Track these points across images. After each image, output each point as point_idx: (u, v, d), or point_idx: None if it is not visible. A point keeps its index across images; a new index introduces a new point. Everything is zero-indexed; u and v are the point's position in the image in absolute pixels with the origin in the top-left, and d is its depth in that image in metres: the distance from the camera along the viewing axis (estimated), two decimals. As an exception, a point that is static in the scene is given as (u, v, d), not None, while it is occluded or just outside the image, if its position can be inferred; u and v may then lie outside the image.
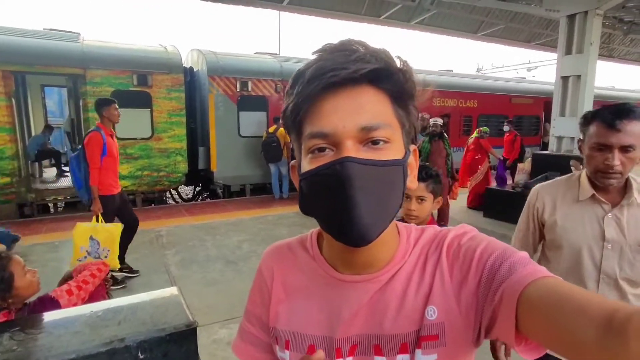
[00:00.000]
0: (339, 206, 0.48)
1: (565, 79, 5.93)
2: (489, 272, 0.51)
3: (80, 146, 3.81)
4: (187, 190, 10.42)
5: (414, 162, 0.57)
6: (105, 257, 3.32)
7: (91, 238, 3.32)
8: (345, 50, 0.49)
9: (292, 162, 0.59)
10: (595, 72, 5.71)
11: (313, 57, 0.51)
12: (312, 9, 9.11)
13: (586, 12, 5.67)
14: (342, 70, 0.47)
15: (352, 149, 0.49)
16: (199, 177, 8.69)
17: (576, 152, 6.17)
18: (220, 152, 7.91)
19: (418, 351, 0.54)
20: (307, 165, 0.52)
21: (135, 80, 6.97)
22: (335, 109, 0.49)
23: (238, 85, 7.96)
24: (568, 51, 5.93)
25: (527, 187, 5.71)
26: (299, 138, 0.54)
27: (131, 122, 7.07)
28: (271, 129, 7.76)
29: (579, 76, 5.73)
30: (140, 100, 7.10)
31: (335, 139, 0.49)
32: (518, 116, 12.10)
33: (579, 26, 5.74)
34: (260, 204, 7.69)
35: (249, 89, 8.09)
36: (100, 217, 3.69)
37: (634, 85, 20.35)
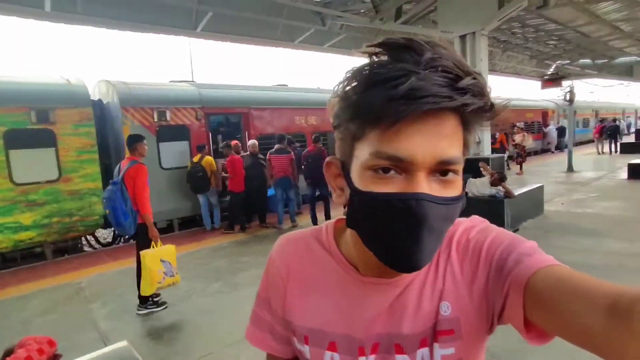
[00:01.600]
0: (399, 238, 0.47)
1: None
2: (497, 264, 0.52)
3: (118, 180, 3.85)
4: (104, 234, 9.45)
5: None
6: (177, 273, 3.91)
7: (162, 260, 3.79)
8: (446, 72, 0.43)
9: (330, 158, 0.56)
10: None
11: (408, 56, 0.44)
12: (227, 35, 9.11)
13: (474, 32, 6.51)
14: (447, 101, 0.43)
15: (424, 182, 0.46)
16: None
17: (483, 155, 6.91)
18: (142, 187, 7.35)
19: (436, 345, 0.55)
20: (367, 182, 0.48)
21: (34, 117, 6.22)
22: (416, 134, 0.45)
23: (155, 116, 7.55)
24: (464, 67, 6.71)
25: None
26: (352, 141, 0.50)
27: (32, 165, 6.29)
28: (195, 159, 7.47)
29: (475, 88, 6.50)
30: (42, 138, 6.35)
31: (408, 167, 0.46)
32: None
33: (470, 45, 6.56)
34: (191, 238, 7.27)
35: (168, 118, 7.72)
36: (158, 242, 3.95)
37: (513, 94, 23.64)
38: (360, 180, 0.49)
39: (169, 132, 7.78)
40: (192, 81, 9.47)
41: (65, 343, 3.47)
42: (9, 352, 1.38)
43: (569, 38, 13.35)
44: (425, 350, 0.56)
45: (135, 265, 4.05)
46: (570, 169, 12.40)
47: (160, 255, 3.80)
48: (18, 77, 6.66)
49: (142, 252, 3.79)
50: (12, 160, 6.09)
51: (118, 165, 4.04)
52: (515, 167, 13.27)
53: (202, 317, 3.90)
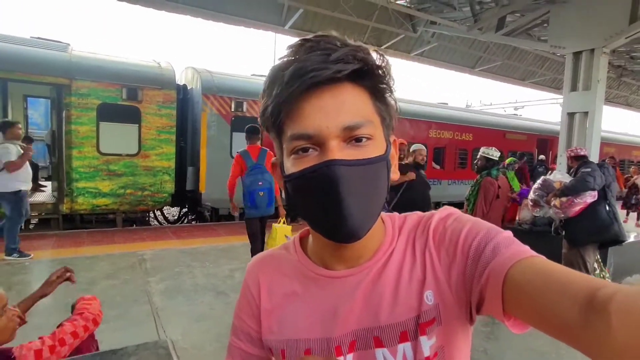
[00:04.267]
0: (328, 207, 0.49)
1: (571, 115, 5.81)
2: (474, 253, 0.51)
3: (261, 165, 4.23)
4: (172, 212, 9.93)
5: (394, 154, 0.58)
6: None
7: (286, 237, 4.11)
8: (323, 50, 0.48)
9: (273, 159, 0.58)
10: (602, 109, 5.61)
11: (287, 52, 0.50)
12: (313, 33, 9.03)
13: (592, 50, 5.63)
14: (323, 71, 0.47)
15: (336, 150, 0.48)
16: (186, 198, 8.24)
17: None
18: (210, 173, 7.51)
19: (423, 338, 0.53)
20: (291, 166, 0.52)
21: (125, 94, 6.64)
22: (317, 110, 0.49)
23: (233, 106, 7.68)
24: (573, 88, 5.84)
25: (535, 225, 5.43)
26: (279, 137, 0.53)
27: (117, 138, 6.72)
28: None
29: (586, 113, 5.62)
30: (129, 115, 6.76)
31: (319, 140, 0.49)
32: (512, 151, 12.07)
33: (586, 63, 5.68)
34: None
35: (244, 109, 7.82)
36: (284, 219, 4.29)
37: (618, 128, 20.94)
38: (288, 166, 0.52)
39: (244, 123, 7.86)
40: (273, 76, 9.56)
41: (119, 311, 3.52)
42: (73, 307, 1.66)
43: None
44: (407, 345, 0.54)
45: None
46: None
47: (285, 232, 4.23)
48: (114, 56, 7.18)
49: (273, 225, 4.25)
50: (101, 131, 6.55)
51: (245, 152, 4.29)
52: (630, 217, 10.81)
53: None
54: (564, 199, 4.07)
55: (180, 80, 8.46)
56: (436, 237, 0.56)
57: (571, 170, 4.33)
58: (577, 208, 4.05)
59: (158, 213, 8.60)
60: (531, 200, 4.38)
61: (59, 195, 6.68)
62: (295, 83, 0.47)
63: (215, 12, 7.95)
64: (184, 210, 9.08)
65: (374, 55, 0.50)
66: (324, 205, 0.49)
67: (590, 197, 4.07)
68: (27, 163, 4.74)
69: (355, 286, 0.56)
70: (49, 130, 8.14)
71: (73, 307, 1.68)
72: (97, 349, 1.67)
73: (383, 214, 0.60)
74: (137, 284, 4.25)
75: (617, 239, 4.61)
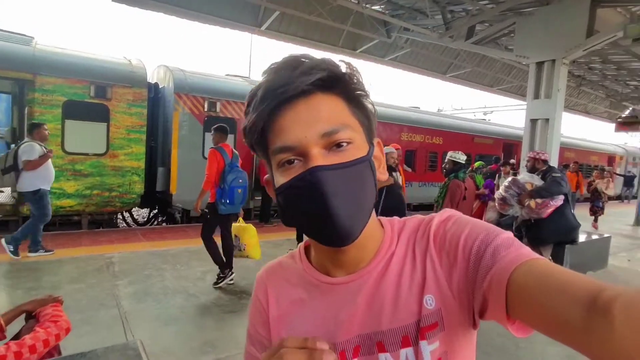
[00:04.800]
0: (317, 213, 0.50)
1: (534, 121, 6.11)
2: (475, 258, 0.51)
3: (234, 161, 4.33)
4: (142, 214, 9.66)
5: (380, 155, 0.59)
6: (243, 249, 4.31)
7: (235, 235, 4.33)
8: (289, 67, 0.51)
9: (266, 177, 0.60)
10: (561, 117, 5.93)
11: (262, 77, 0.53)
12: (290, 35, 9.07)
13: (553, 60, 5.94)
14: (290, 85, 0.49)
15: (318, 157, 0.50)
16: (156, 199, 8.04)
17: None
18: (182, 173, 7.37)
19: (423, 343, 0.53)
20: (280, 178, 0.53)
21: (93, 92, 6.41)
22: (294, 122, 0.51)
23: (206, 105, 7.58)
24: (536, 96, 6.15)
25: (499, 225, 5.66)
26: (266, 153, 0.54)
27: (84, 136, 6.48)
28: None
29: (547, 120, 5.92)
30: (97, 113, 6.53)
31: (301, 150, 0.51)
32: (480, 155, 12.51)
33: (547, 73, 5.99)
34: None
35: (217, 110, 7.73)
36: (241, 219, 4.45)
37: (578, 134, 22.08)
38: (277, 180, 0.54)
39: (217, 123, 7.76)
40: (247, 77, 9.50)
41: (84, 315, 3.41)
42: (29, 316, 1.54)
43: (654, 80, 12.15)
44: (409, 350, 0.54)
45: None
46: (637, 222, 11.16)
47: (235, 231, 4.35)
48: (82, 52, 6.93)
49: (236, 225, 4.36)
50: (67, 129, 6.30)
51: (221, 149, 4.35)
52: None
53: (224, 316, 3.68)
54: (539, 200, 4.28)
55: (152, 78, 8.26)
56: (437, 240, 0.56)
57: (537, 173, 4.55)
58: (550, 210, 4.29)
59: (127, 215, 8.35)
60: (500, 199, 4.56)
61: (19, 196, 6.36)
62: (267, 100, 0.50)
63: (191, 11, 7.81)
64: (154, 211, 8.86)
65: (340, 64, 0.53)
66: (314, 211, 0.50)
67: (560, 200, 4.32)
68: (50, 164, 4.86)
69: (356, 292, 0.57)
70: (9, 128, 7.75)
71: (29, 314, 1.58)
72: (60, 354, 1.61)
73: (382, 218, 0.62)
74: (104, 287, 4.13)
75: (575, 239, 4.94)
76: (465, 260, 0.52)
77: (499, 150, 13.60)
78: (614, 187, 10.15)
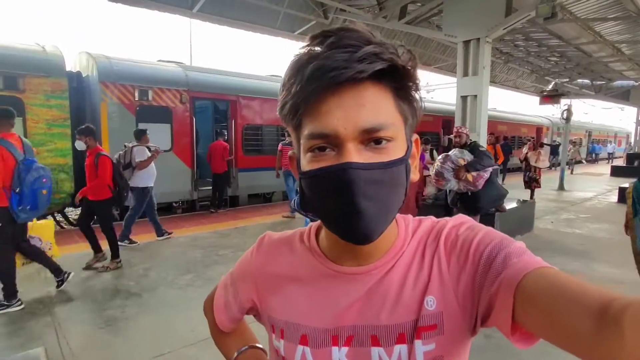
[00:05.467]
0: (342, 210, 0.48)
1: (464, 98, 6.43)
2: (485, 262, 0.51)
3: (28, 156, 3.64)
4: (76, 213, 9.01)
5: (415, 153, 0.57)
6: (50, 248, 4.13)
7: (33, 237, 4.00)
8: (347, 47, 0.46)
9: (290, 152, 0.58)
10: (488, 93, 6.30)
11: (306, 49, 0.49)
12: (224, 18, 8.70)
13: (478, 39, 6.24)
14: (345, 71, 0.45)
15: (353, 152, 0.48)
16: (90, 197, 7.52)
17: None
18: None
19: (418, 342, 0.54)
20: (307, 164, 0.51)
21: (1, 84, 5.77)
22: (336, 109, 0.48)
23: (137, 94, 7.14)
24: (465, 73, 6.45)
25: (437, 199, 5.98)
26: (297, 133, 0.52)
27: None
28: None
29: (475, 96, 6.25)
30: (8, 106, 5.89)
31: (336, 141, 0.48)
32: (421, 132, 13.00)
33: (473, 51, 6.30)
34: (170, 225, 6.91)
35: (150, 98, 7.31)
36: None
37: (510, 108, 23.70)
38: (304, 163, 0.52)
39: (150, 113, 7.37)
40: (181, 62, 9.04)
41: (13, 327, 3.15)
42: None
43: (570, 56, 13.22)
44: (403, 347, 0.54)
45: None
46: (561, 187, 12.29)
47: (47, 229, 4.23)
48: (-15, 39, 6.19)
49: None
50: (-27, 127, 5.63)
51: (6, 142, 3.48)
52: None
53: (166, 311, 3.60)
54: (474, 173, 4.56)
55: (74, 67, 7.61)
56: (447, 244, 0.56)
57: (465, 147, 4.83)
58: (483, 181, 4.60)
59: (58, 216, 7.75)
60: (436, 175, 4.78)
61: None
62: (315, 82, 0.46)
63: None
64: (90, 210, 8.30)
65: (401, 52, 0.49)
66: (338, 207, 0.48)
67: (489, 171, 4.65)
68: (153, 164, 5.71)
69: (361, 284, 0.57)
70: None
71: None
72: None
73: (398, 215, 0.59)
74: (35, 295, 3.87)
75: (503, 209, 5.39)
76: (475, 264, 0.52)
77: (439, 127, 14.24)
78: (544, 159, 10.33)
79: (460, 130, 4.89)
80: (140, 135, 5.87)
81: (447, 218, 0.60)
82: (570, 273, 0.46)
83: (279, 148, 7.41)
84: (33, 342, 2.98)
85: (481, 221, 0.66)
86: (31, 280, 4.27)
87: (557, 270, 0.46)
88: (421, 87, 0.52)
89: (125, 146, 5.69)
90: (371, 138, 0.48)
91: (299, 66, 0.48)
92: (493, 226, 4.48)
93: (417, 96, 0.52)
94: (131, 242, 5.71)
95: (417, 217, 0.63)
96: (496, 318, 0.48)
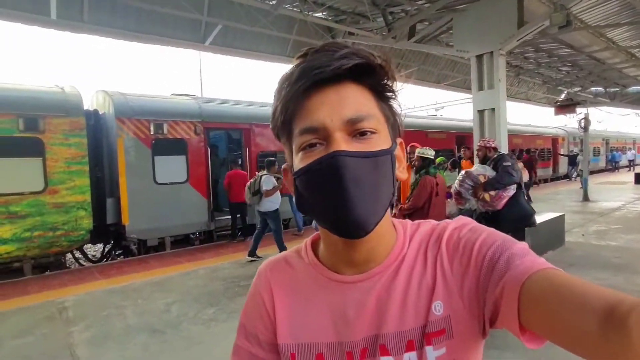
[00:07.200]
0: (333, 199, 0.49)
1: (481, 112, 6.31)
2: (488, 264, 0.50)
3: None
4: (96, 250, 9.01)
5: (401, 154, 0.58)
6: None
7: None
8: (328, 51, 0.51)
9: (284, 165, 0.61)
10: (506, 105, 6.16)
11: (296, 61, 0.53)
12: (236, 49, 8.90)
13: (491, 52, 6.18)
14: (327, 67, 0.49)
15: (341, 142, 0.50)
16: (108, 233, 7.52)
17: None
18: (133, 202, 6.94)
19: (429, 348, 0.53)
20: (299, 163, 0.53)
21: (22, 125, 5.89)
22: (322, 104, 0.51)
23: (152, 128, 7.21)
24: (480, 87, 6.36)
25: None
26: (289, 139, 0.55)
27: (16, 174, 5.92)
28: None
29: (492, 109, 6.12)
30: (29, 147, 6.01)
31: (324, 133, 0.50)
32: (434, 150, 12.78)
33: (487, 65, 6.22)
34: (189, 257, 6.81)
35: (165, 131, 7.38)
36: None
37: (522, 120, 23.45)
38: (296, 163, 0.54)
39: (166, 146, 7.42)
40: (193, 95, 9.18)
41: None
42: None
43: (582, 64, 13.08)
44: (412, 355, 0.53)
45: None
46: (586, 198, 11.86)
47: None
48: (7, 83, 6.38)
49: None
50: (-5, 168, 5.74)
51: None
52: None
53: (192, 349, 3.44)
54: (492, 192, 4.29)
55: (91, 105, 7.78)
56: (450, 246, 0.56)
57: (488, 162, 4.62)
58: (504, 201, 4.33)
59: (78, 254, 7.74)
60: (456, 194, 4.58)
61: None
62: (301, 81, 0.50)
63: (133, 33, 7.46)
64: (109, 246, 8.29)
65: (377, 56, 0.52)
66: (330, 196, 0.50)
67: (512, 189, 4.38)
68: (278, 191, 6.26)
69: (366, 292, 0.56)
70: None
71: None
72: None
73: (395, 220, 0.61)
74: (57, 337, 3.77)
75: (533, 224, 5.07)
76: (478, 266, 0.51)
77: (452, 144, 14.05)
78: (526, 173, 9.48)
79: (481, 144, 4.71)
80: (270, 166, 6.36)
81: (447, 220, 0.60)
82: (614, 289, 0.41)
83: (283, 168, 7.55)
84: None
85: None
86: (52, 320, 4.18)
87: (561, 272, 0.46)
88: (398, 91, 0.55)
89: (256, 175, 6.28)
90: (356, 129, 0.51)
91: (287, 76, 0.52)
92: (523, 240, 4.23)
93: (394, 101, 0.56)
94: (259, 257, 6.23)
95: (416, 221, 0.62)
96: (503, 320, 0.48)
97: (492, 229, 0.56)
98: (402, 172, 0.57)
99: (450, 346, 0.53)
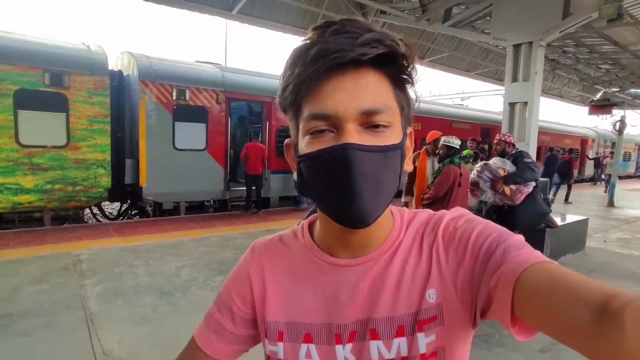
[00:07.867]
0: (339, 190, 0.49)
1: (512, 105, 6.04)
2: (484, 255, 0.50)
3: None
4: (113, 208, 9.24)
5: (409, 145, 0.57)
6: None
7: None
8: (349, 33, 0.47)
9: (287, 140, 0.59)
10: (539, 100, 5.87)
11: (312, 34, 0.50)
12: (263, 20, 8.72)
13: (531, 42, 5.85)
14: (347, 53, 0.46)
15: (353, 133, 0.48)
16: (126, 192, 7.67)
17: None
18: (151, 165, 7.02)
19: (420, 335, 0.53)
20: (305, 146, 0.51)
21: (48, 80, 5.94)
22: (337, 91, 0.48)
23: (174, 94, 7.19)
24: (514, 79, 6.07)
25: (479, 211, 5.60)
26: (296, 117, 0.53)
27: (40, 128, 6.03)
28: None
29: (525, 103, 5.85)
30: (54, 102, 6.08)
31: (336, 122, 0.49)
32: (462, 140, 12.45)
33: (525, 56, 5.91)
34: (202, 223, 6.90)
35: (187, 98, 7.35)
36: None
37: (552, 117, 22.51)
38: (302, 146, 0.52)
39: (187, 112, 7.42)
40: (218, 64, 9.09)
41: (46, 319, 3.12)
42: None
43: (624, 63, 12.39)
44: (402, 340, 0.54)
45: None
46: (611, 204, 11.44)
47: None
48: (35, 37, 6.42)
49: None
50: (20, 120, 5.84)
51: None
52: None
53: (198, 313, 3.46)
54: (513, 187, 4.18)
55: (115, 66, 7.80)
56: (446, 236, 0.56)
57: (506, 157, 4.46)
58: (523, 196, 4.21)
59: (96, 210, 7.95)
60: (472, 184, 4.44)
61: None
62: (318, 63, 0.47)
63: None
64: (125, 206, 8.48)
65: (400, 43, 0.49)
66: (336, 187, 0.49)
67: (531, 186, 4.25)
68: None
69: (360, 276, 0.56)
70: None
71: None
72: None
73: (392, 207, 0.60)
74: (70, 288, 3.87)
75: (549, 224, 4.90)
76: (474, 257, 0.51)
77: (477, 135, 13.63)
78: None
79: (500, 138, 4.53)
80: None
81: (444, 211, 0.60)
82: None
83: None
84: (65, 336, 2.94)
85: (530, 238, 0.60)
86: (67, 271, 4.31)
87: (557, 265, 0.46)
88: (417, 80, 0.53)
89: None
90: (370, 122, 0.49)
91: (302, 51, 0.49)
92: (543, 244, 4.05)
93: (412, 89, 0.54)
94: None
95: (413, 210, 0.62)
96: (495, 311, 0.48)
97: (489, 221, 0.55)
98: (408, 164, 0.56)
99: (440, 333, 0.53)
